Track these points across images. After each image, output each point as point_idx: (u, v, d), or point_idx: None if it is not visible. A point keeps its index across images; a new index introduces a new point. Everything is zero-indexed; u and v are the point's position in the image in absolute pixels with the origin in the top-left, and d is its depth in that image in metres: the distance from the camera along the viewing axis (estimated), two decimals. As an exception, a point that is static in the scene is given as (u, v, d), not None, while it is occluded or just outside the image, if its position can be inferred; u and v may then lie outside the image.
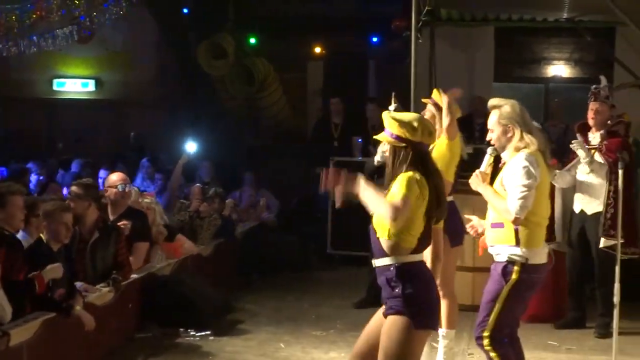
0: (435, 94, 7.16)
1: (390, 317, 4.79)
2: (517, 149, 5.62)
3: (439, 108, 6.99)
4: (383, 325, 4.84)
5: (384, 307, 4.92)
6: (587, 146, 8.62)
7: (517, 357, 5.85)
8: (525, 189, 5.49)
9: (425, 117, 7.01)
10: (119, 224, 8.16)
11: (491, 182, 5.75)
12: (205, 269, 9.77)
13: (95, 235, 7.68)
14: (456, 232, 6.94)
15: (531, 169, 5.51)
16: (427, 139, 4.90)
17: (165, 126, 14.83)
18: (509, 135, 5.66)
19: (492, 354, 5.66)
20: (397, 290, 4.76)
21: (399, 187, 4.74)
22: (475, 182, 5.74)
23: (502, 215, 5.53)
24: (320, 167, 13.07)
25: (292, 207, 13.53)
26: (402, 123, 4.85)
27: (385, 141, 4.96)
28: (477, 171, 5.76)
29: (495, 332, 5.62)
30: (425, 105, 7.24)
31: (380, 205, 4.73)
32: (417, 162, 4.84)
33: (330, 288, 10.69)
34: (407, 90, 9.36)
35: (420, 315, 4.77)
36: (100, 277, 7.65)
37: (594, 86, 8.73)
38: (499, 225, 5.63)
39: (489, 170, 5.81)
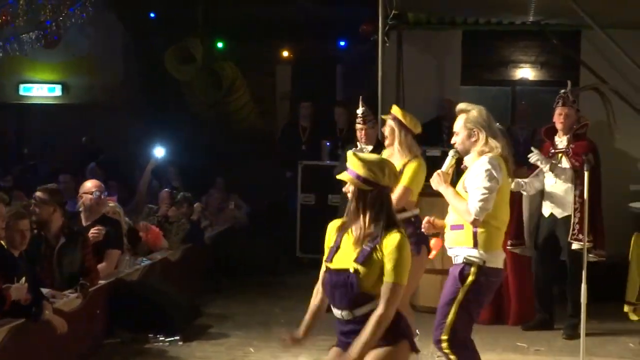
0: (394, 108, 7.19)
1: (388, 348, 4.54)
2: (481, 153, 5.68)
3: (399, 122, 7.00)
4: None
5: (338, 349, 4.74)
6: (554, 150, 8.70)
7: (474, 357, 5.86)
8: (487, 191, 5.54)
9: (386, 132, 7.07)
10: (92, 229, 8.13)
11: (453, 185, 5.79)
12: (174, 274, 9.73)
13: (62, 241, 7.63)
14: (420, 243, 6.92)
15: (494, 172, 5.57)
16: (392, 183, 4.68)
17: (133, 131, 14.75)
18: (474, 139, 5.73)
19: (452, 357, 5.71)
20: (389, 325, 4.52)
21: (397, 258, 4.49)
22: (437, 181, 5.79)
23: (462, 216, 5.57)
24: (290, 171, 13.13)
25: (262, 211, 13.52)
26: (370, 165, 4.59)
27: (349, 182, 4.65)
28: (438, 171, 5.82)
29: (453, 334, 5.65)
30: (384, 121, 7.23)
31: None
32: (382, 209, 4.57)
33: (300, 292, 10.60)
34: (375, 94, 9.40)
35: (411, 337, 4.69)
36: (67, 283, 7.57)
37: (562, 90, 8.79)
38: (459, 227, 5.69)
39: (450, 171, 5.87)
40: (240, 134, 14.79)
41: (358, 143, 8.95)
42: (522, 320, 9.00)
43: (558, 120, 8.72)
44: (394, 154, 6.91)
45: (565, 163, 8.57)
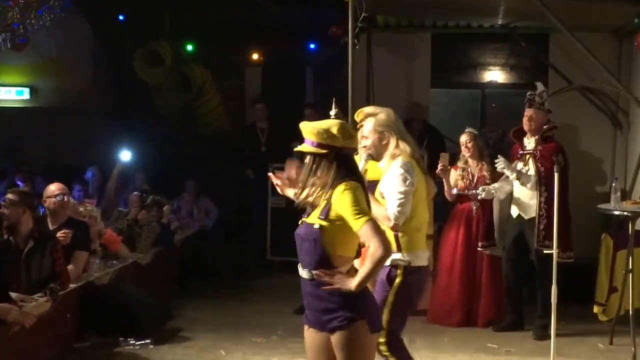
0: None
1: (346, 330, 4.54)
2: (394, 156, 5.76)
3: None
4: (326, 341, 4.64)
5: (310, 329, 4.75)
6: (522, 152, 8.75)
7: (408, 357, 5.96)
8: (402, 195, 5.61)
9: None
10: (58, 233, 8.08)
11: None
12: (145, 277, 9.70)
13: (30, 244, 7.58)
14: None
15: (407, 175, 5.64)
16: (349, 143, 4.72)
17: (101, 134, 14.67)
18: (384, 142, 5.81)
19: (392, 359, 5.77)
20: (345, 298, 4.53)
21: (345, 203, 4.53)
22: None
23: (382, 222, 5.52)
24: (251, 172, 13.08)
25: (231, 213, 13.50)
26: (320, 130, 4.65)
27: (306, 151, 4.71)
28: None
29: (390, 336, 5.72)
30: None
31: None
32: (343, 169, 4.65)
33: (270, 294, 10.68)
34: (345, 97, 9.40)
35: (374, 317, 4.68)
36: (36, 287, 7.51)
37: (529, 92, 8.85)
38: None
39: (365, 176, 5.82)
40: (210, 136, 14.75)
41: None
42: (493, 321, 9.04)
43: (525, 122, 8.78)
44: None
45: (531, 166, 8.62)
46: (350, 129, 4.76)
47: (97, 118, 14.83)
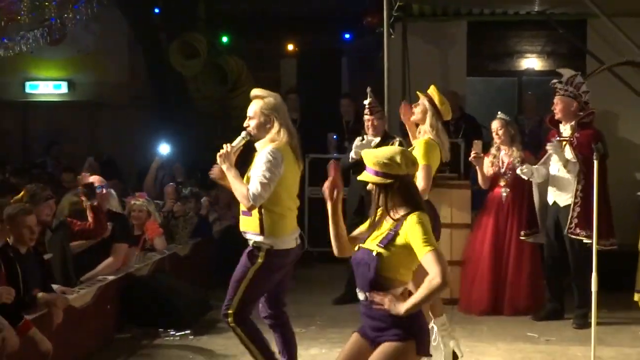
0: (432, 89, 7.20)
1: (393, 344, 4.60)
2: (272, 141, 5.93)
3: (433, 105, 7.03)
4: (370, 352, 4.68)
5: (358, 334, 4.80)
6: (559, 138, 8.68)
7: (284, 338, 6.25)
8: (266, 180, 5.77)
9: (417, 110, 7.08)
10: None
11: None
12: (183, 269, 9.75)
13: (48, 236, 7.73)
14: (434, 230, 6.94)
15: (274, 163, 5.81)
16: (412, 170, 4.75)
17: (138, 127, 14.76)
18: (268, 126, 5.98)
19: (238, 330, 6.03)
20: (398, 319, 4.55)
21: (417, 232, 4.57)
22: (223, 157, 6.08)
23: (241, 201, 5.86)
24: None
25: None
26: (384, 160, 4.66)
27: (370, 181, 4.74)
28: (227, 145, 6.09)
29: (240, 309, 5.96)
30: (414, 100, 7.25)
31: None
32: (408, 197, 4.69)
33: (309, 285, 10.68)
34: (381, 86, 9.39)
35: (423, 340, 4.68)
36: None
37: (552, 81, 8.78)
38: (248, 213, 5.93)
39: (236, 153, 6.13)
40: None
41: (365, 135, 8.95)
42: (531, 311, 9.00)
43: (555, 109, 8.73)
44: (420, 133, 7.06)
45: (568, 153, 8.56)
46: (412, 156, 4.79)
47: (133, 111, 14.94)
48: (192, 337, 8.18)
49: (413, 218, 4.59)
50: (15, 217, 6.66)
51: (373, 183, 4.74)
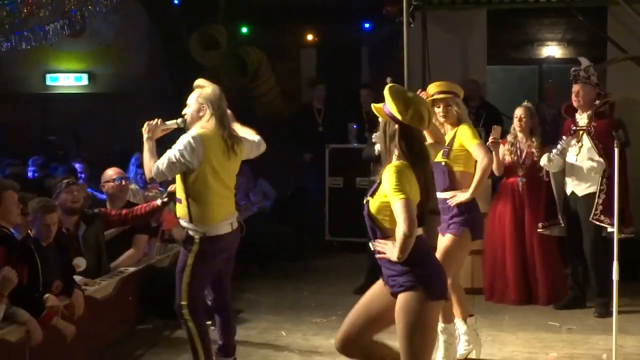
0: (431, 86, 7.23)
1: (404, 294, 4.77)
2: (203, 128, 6.10)
3: (453, 94, 7.04)
4: (389, 302, 4.86)
5: (382, 280, 4.99)
6: (575, 128, 8.63)
7: (224, 323, 6.60)
8: (174, 159, 6.00)
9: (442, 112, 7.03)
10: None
11: None
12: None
13: (82, 228, 7.81)
14: (478, 226, 6.97)
15: (187, 149, 6.00)
16: (416, 124, 4.82)
17: (160, 118, 14.77)
18: (201, 114, 6.17)
19: (190, 324, 6.21)
20: (405, 267, 4.74)
21: (389, 181, 4.72)
22: (149, 127, 6.36)
23: (145, 171, 6.25)
24: (309, 154, 13.05)
25: (289, 194, 13.51)
26: (397, 99, 4.81)
27: (379, 114, 4.94)
28: (159, 120, 6.36)
29: (191, 299, 6.16)
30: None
31: None
32: (405, 147, 4.80)
33: (329, 275, 10.70)
34: (401, 76, 9.36)
35: (432, 286, 4.79)
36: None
37: (573, 68, 8.72)
38: (179, 200, 6.16)
39: (162, 130, 6.37)
40: (265, 119, 14.79)
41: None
42: (552, 300, 8.97)
43: (573, 98, 8.67)
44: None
45: (586, 141, 8.51)
46: (424, 112, 4.83)
47: (154, 103, 14.95)
48: (213, 328, 8.19)
49: (390, 167, 4.76)
50: (36, 212, 6.71)
51: (382, 118, 4.92)
